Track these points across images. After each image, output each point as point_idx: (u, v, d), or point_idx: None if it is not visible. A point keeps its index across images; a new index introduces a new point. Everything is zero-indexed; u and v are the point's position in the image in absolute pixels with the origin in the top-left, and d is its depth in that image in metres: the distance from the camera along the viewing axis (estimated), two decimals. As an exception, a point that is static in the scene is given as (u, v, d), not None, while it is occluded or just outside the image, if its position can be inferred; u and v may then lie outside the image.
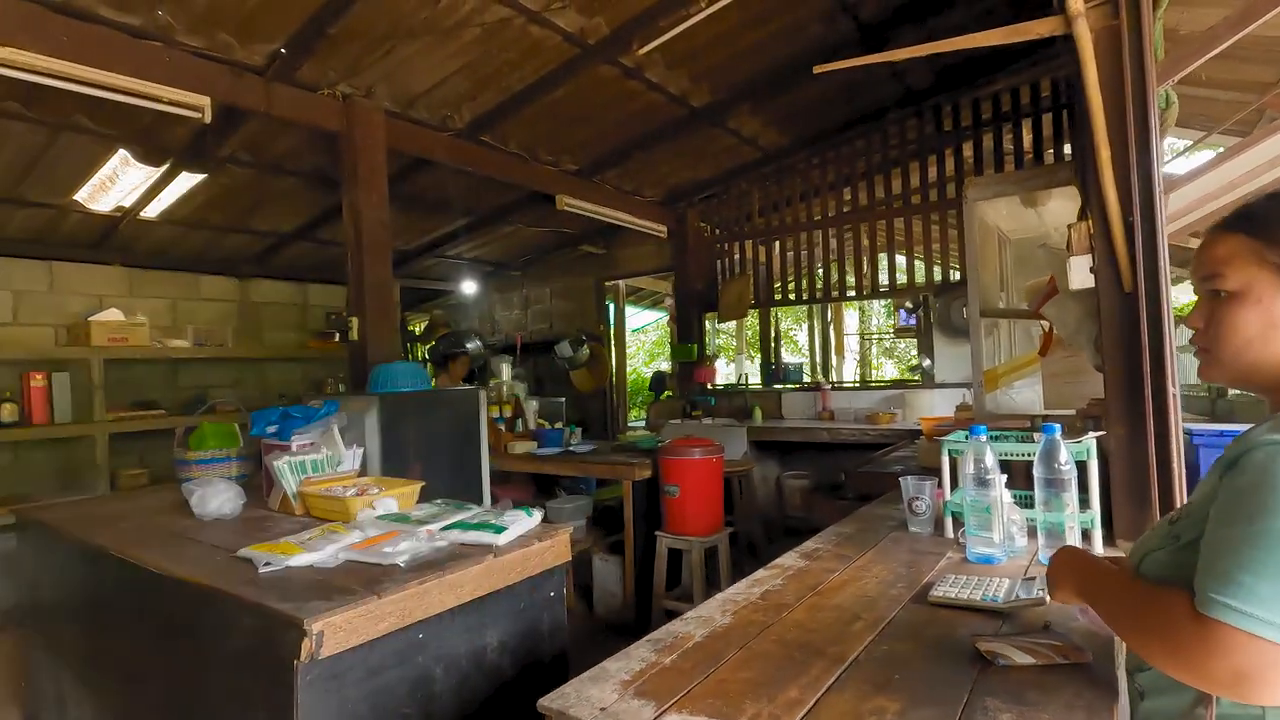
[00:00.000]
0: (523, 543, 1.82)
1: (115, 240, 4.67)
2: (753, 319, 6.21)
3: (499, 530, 1.81)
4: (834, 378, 10.31)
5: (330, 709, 1.34)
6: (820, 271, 5.83)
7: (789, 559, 1.59)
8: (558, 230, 6.31)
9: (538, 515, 1.98)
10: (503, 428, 4.10)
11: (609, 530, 3.90)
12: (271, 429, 2.52)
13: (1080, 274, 1.58)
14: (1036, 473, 1.47)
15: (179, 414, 4.45)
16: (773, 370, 6.02)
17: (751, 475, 4.28)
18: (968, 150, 4.85)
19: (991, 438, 1.63)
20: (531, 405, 4.30)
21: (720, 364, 9.94)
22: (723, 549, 3.35)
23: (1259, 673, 0.69)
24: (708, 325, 6.33)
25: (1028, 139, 4.69)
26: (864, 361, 13.56)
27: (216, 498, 2.29)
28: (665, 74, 3.85)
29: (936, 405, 4.45)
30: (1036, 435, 1.68)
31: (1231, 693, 0.72)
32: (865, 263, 5.40)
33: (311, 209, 4.88)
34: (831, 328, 10.61)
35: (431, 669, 1.56)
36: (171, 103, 2.73)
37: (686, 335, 6.06)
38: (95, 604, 2.07)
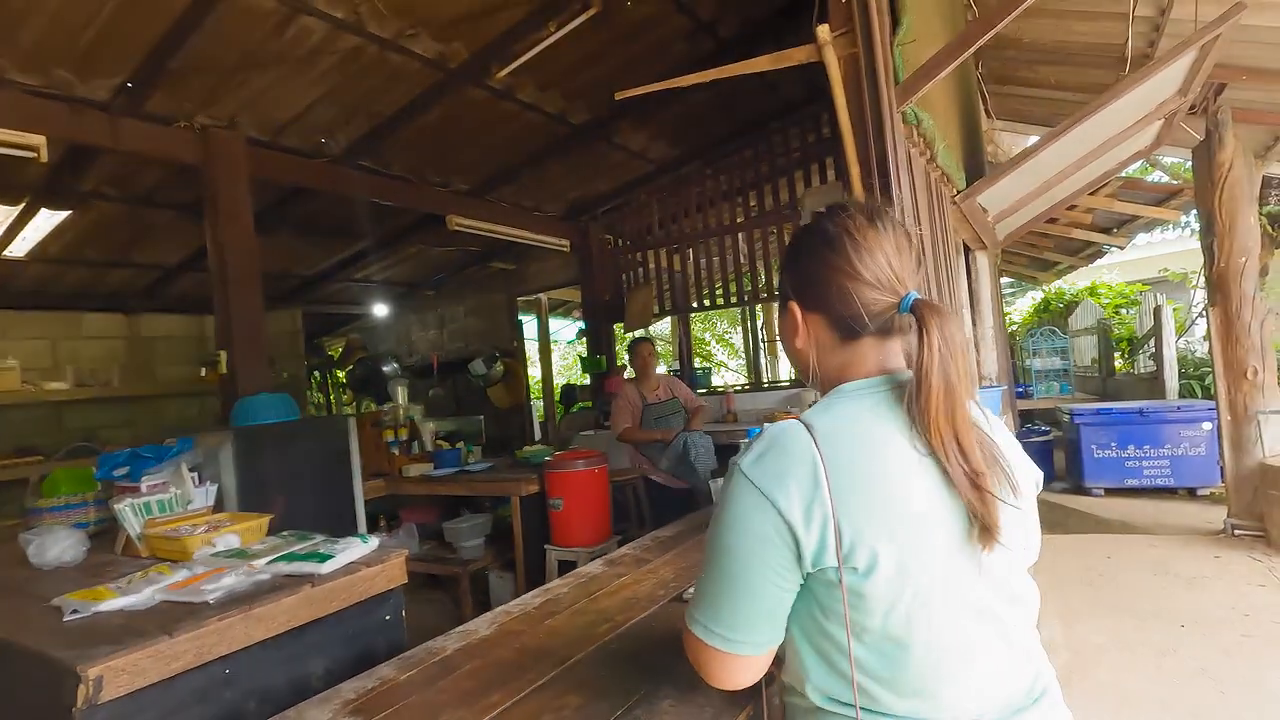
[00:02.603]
0: (350, 569, 1.84)
1: (-18, 282, 4.49)
2: (675, 326, 6.32)
3: (324, 559, 1.83)
4: (767, 378, 10.56)
5: (116, 754, 1.34)
6: (738, 275, 5.98)
7: (593, 566, 1.66)
8: (464, 249, 6.32)
9: (374, 541, 2.00)
10: (397, 451, 4.08)
11: (510, 546, 3.92)
12: (120, 471, 2.48)
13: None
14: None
15: (65, 459, 4.29)
16: (678, 374, 6.14)
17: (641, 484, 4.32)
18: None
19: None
20: (429, 426, 4.29)
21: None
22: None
23: (704, 664, 0.86)
24: (618, 335, 6.41)
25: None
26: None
27: (56, 545, 2.23)
28: (538, 95, 3.93)
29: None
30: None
31: (731, 682, 0.87)
32: (769, 266, 5.57)
33: (197, 239, 4.76)
34: (763, 330, 10.87)
35: (241, 703, 1.57)
36: (3, 143, 2.66)
37: (596, 347, 6.13)
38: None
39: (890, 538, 0.76)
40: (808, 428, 0.80)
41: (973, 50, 1.71)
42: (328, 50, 3.07)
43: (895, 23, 1.72)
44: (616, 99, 1.99)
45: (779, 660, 0.88)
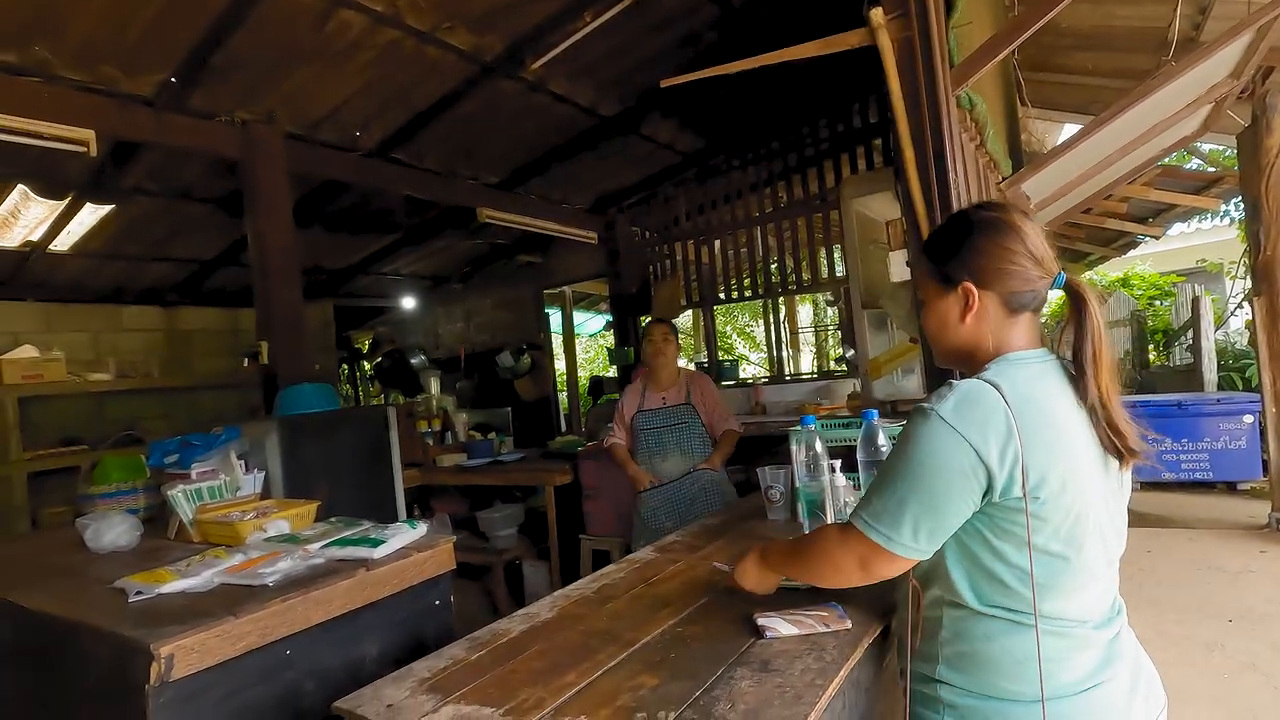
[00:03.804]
0: (401, 555, 1.87)
1: (27, 276, 4.59)
2: (686, 320, 6.32)
3: (376, 544, 1.86)
4: (790, 370, 10.51)
5: (188, 729, 1.38)
6: (755, 269, 5.97)
7: (645, 552, 1.67)
8: (492, 242, 6.36)
9: (422, 527, 2.03)
10: (430, 442, 4.13)
11: (543, 536, 3.95)
12: (170, 459, 2.54)
13: (899, 267, 1.69)
14: (859, 455, 1.57)
15: (107, 449, 4.40)
16: (704, 367, 6.13)
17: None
18: (879, 146, 5.02)
19: (827, 426, 1.73)
20: (461, 417, 4.33)
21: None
22: (645, 547, 3.43)
23: (860, 556, 1.03)
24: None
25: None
26: (820, 353, 13.80)
27: (111, 530, 2.29)
28: (570, 86, 3.93)
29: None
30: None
31: (859, 574, 1.04)
32: (793, 259, 5.55)
33: (232, 234, 4.85)
34: (785, 323, 10.81)
35: (301, 684, 1.60)
36: (54, 138, 2.72)
37: (623, 339, 6.14)
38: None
39: (1063, 474, 0.95)
40: (994, 387, 0.97)
41: (1030, 34, 1.67)
42: (366, 44, 3.09)
43: (949, 5, 1.70)
44: (662, 86, 1.98)
45: (926, 581, 1.06)
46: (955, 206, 1.59)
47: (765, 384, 5.72)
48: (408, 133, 3.97)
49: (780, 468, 1.87)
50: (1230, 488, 5.40)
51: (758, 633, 1.09)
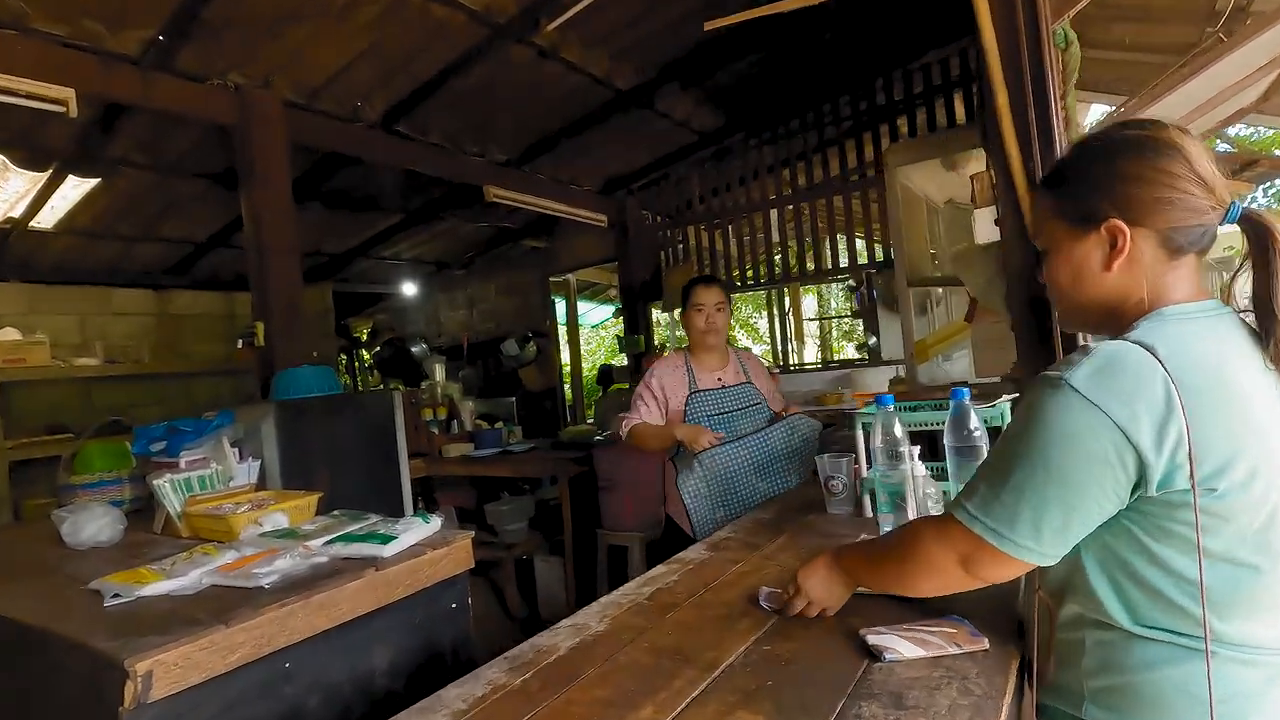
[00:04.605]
0: (414, 552, 1.66)
1: (9, 255, 4.35)
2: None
3: (386, 540, 1.65)
4: (794, 361, 10.29)
5: (167, 760, 1.17)
6: (772, 255, 5.76)
7: (694, 551, 1.46)
8: (497, 225, 6.12)
9: (436, 521, 1.83)
10: (436, 431, 3.91)
11: (554, 530, 3.75)
12: (157, 446, 2.33)
13: (986, 226, 1.48)
14: (946, 441, 1.37)
15: (97, 435, 4.17)
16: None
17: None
18: (903, 125, 4.80)
19: (905, 408, 1.53)
20: (468, 406, 4.12)
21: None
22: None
23: (966, 557, 0.84)
24: (656, 316, 6.20)
25: (960, 111, 4.65)
26: (824, 345, 13.62)
27: (91, 524, 2.08)
28: (584, 54, 3.70)
29: (882, 382, 4.39)
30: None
31: (960, 576, 0.85)
32: (812, 245, 5.34)
33: (227, 213, 4.61)
34: (791, 313, 10.61)
35: (303, 700, 1.40)
36: (30, 95, 2.49)
37: (634, 327, 5.92)
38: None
39: (1253, 460, 0.75)
40: (1148, 349, 0.77)
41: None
42: (368, 1, 2.87)
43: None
44: (705, 29, 1.76)
45: (1060, 595, 0.86)
46: (1059, 152, 1.38)
47: (779, 374, 5.50)
48: (412, 103, 3.74)
49: (841, 456, 1.67)
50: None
51: (871, 654, 0.89)
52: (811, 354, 12.85)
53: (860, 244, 5.10)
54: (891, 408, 1.41)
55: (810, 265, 5.39)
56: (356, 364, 8.82)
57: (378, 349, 6.96)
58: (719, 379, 2.37)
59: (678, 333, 10.61)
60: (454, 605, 1.77)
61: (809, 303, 13.02)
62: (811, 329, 12.89)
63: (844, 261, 5.19)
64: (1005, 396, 1.47)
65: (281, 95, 3.29)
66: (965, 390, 1.35)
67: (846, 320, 13.75)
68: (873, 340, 4.93)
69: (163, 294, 5.13)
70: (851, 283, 5.97)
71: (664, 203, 5.88)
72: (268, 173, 3.11)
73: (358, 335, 8.87)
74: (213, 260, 5.28)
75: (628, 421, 2.42)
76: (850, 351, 14.33)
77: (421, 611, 1.67)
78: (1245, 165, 5.60)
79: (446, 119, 4.06)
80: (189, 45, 2.85)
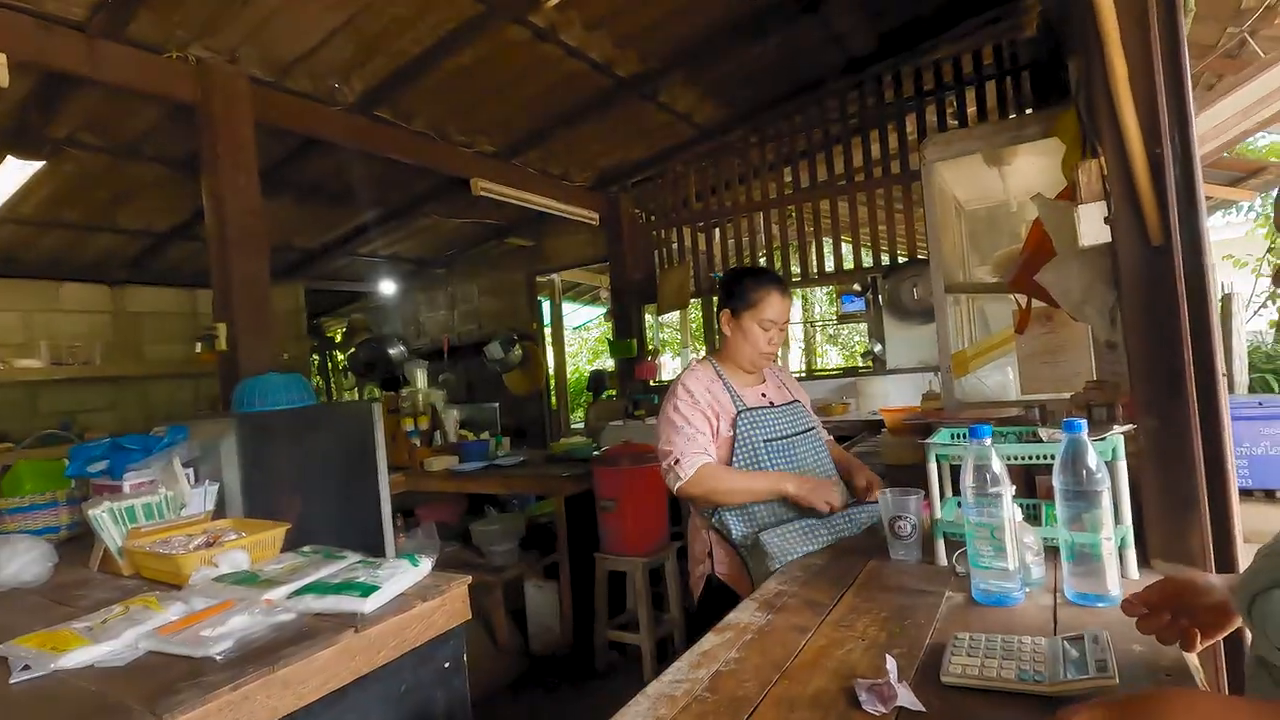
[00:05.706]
0: (401, 605, 1.38)
1: (-56, 245, 3.97)
2: (695, 310, 5.86)
3: (367, 592, 1.36)
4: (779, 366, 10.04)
5: None
6: (764, 258, 5.54)
7: (746, 613, 1.20)
8: (481, 221, 5.81)
9: (426, 564, 1.54)
10: (417, 442, 3.61)
11: (546, 551, 3.46)
12: (97, 466, 2.02)
13: (1093, 225, 1.24)
14: (1058, 483, 1.13)
15: (33, 447, 3.80)
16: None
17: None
18: (910, 124, 4.61)
19: (956, 435, 1.29)
20: (451, 414, 3.82)
21: (666, 359, 9.60)
22: (670, 568, 2.97)
23: None
24: (648, 318, 5.94)
25: (971, 109, 4.47)
26: (809, 350, 13.48)
27: (13, 560, 1.77)
28: (585, 37, 3.43)
29: (891, 393, 4.18)
30: (1047, 433, 1.35)
31: None
32: (811, 247, 5.13)
33: (189, 203, 4.25)
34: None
35: (259, 806, 1.11)
36: (-49, 60, 2.16)
37: (625, 330, 5.65)
38: None
39: None
40: None
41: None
42: (349, -34, 2.57)
43: None
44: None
45: None
46: (1192, 136, 1.15)
47: (779, 380, 5.28)
48: (394, 85, 3.44)
49: (908, 494, 1.42)
50: (1269, 495, 5.11)
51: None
52: (796, 359, 12.71)
53: (866, 246, 4.89)
54: (988, 440, 1.17)
55: (814, 268, 5.17)
56: (330, 366, 8.43)
57: (353, 350, 6.60)
58: (763, 395, 1.91)
59: (677, 334, 10.38)
60: (447, 664, 1.49)
61: (794, 306, 12.87)
62: (795, 332, 12.72)
63: (848, 264, 4.96)
64: (1117, 429, 1.24)
65: (248, 71, 2.97)
66: (1080, 423, 1.11)
67: (831, 325, 13.63)
68: (878, 348, 4.73)
69: (118, 289, 4.75)
70: (857, 286, 5.76)
71: (658, 200, 5.63)
72: (233, 156, 2.80)
73: (331, 336, 8.48)
74: (173, 253, 4.90)
75: (685, 459, 1.75)
76: (834, 357, 14.21)
77: (409, 676, 1.39)
78: (1252, 173, 5.53)
79: (432, 105, 3.76)
80: (144, 10, 2.53)
